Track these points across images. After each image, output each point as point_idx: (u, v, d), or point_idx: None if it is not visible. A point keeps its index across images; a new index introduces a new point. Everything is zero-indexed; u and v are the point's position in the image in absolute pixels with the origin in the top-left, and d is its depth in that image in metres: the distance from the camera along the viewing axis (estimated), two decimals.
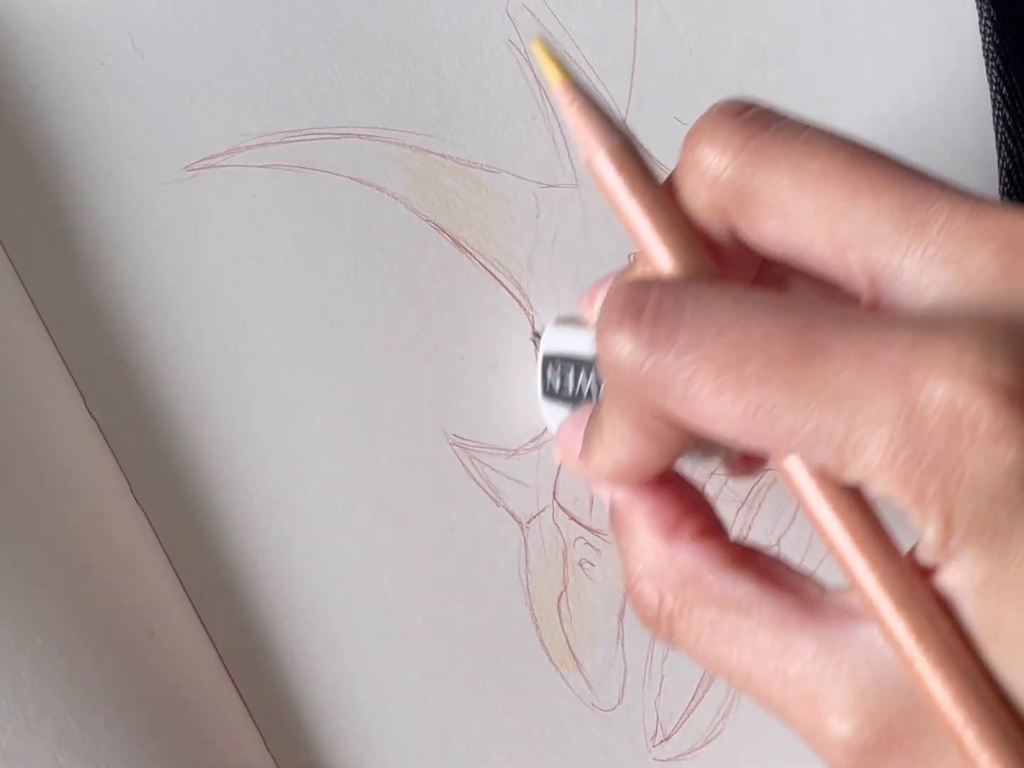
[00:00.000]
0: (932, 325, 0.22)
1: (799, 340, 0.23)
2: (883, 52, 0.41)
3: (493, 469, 0.40)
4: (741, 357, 0.23)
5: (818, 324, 0.23)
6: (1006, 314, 0.22)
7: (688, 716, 0.41)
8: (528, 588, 0.40)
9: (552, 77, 0.27)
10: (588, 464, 0.28)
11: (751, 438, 0.23)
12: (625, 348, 0.24)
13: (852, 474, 0.22)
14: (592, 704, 0.40)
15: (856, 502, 0.23)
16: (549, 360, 0.38)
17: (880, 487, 0.22)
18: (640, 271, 0.27)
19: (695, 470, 0.29)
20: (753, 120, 0.25)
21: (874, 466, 0.22)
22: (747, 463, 0.35)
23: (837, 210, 0.24)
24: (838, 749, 0.24)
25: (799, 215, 0.24)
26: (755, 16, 0.41)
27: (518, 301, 0.40)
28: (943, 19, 0.42)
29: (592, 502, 0.40)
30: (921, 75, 0.42)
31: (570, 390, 0.37)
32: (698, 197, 0.25)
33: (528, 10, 0.39)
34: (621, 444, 0.27)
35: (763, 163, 0.24)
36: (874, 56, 0.41)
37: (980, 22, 0.42)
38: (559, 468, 0.40)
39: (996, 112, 0.41)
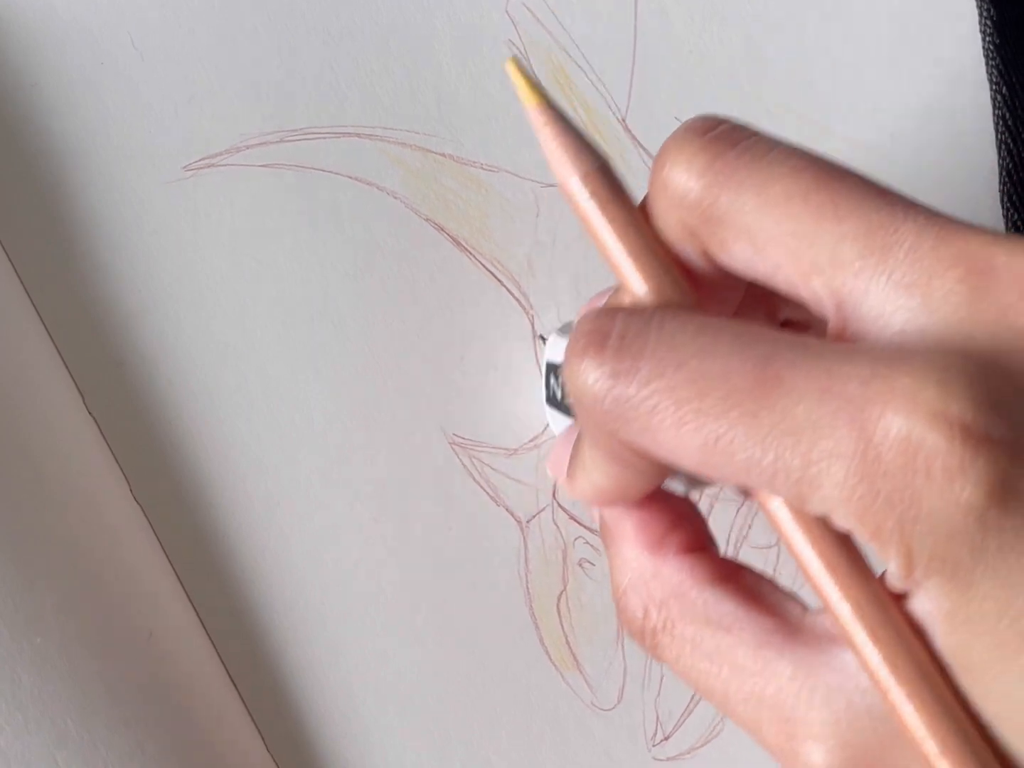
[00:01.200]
0: (891, 357, 0.22)
1: (759, 372, 0.22)
2: (883, 52, 0.41)
3: (493, 468, 0.40)
4: (701, 389, 0.23)
5: (779, 355, 0.22)
6: (968, 343, 0.22)
7: (688, 716, 0.41)
8: (528, 588, 0.40)
9: (526, 99, 0.26)
10: (573, 487, 0.28)
11: (712, 470, 0.23)
12: (588, 378, 0.24)
13: (812, 507, 0.22)
14: (592, 704, 0.40)
15: (829, 528, 0.23)
16: (552, 368, 0.38)
17: (840, 521, 0.22)
18: (619, 298, 0.27)
19: (689, 493, 0.29)
20: (719, 139, 0.25)
21: (832, 501, 0.22)
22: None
23: (801, 235, 0.23)
24: None
25: (765, 239, 0.24)
26: (755, 16, 0.41)
27: (518, 301, 0.40)
28: (943, 19, 0.42)
29: None
30: (921, 75, 0.42)
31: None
32: (669, 219, 0.25)
33: (528, 9, 0.39)
34: (598, 472, 0.27)
35: (728, 184, 0.24)
36: (874, 56, 0.41)
37: (980, 21, 0.42)
38: None
39: (996, 111, 0.41)
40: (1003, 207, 0.41)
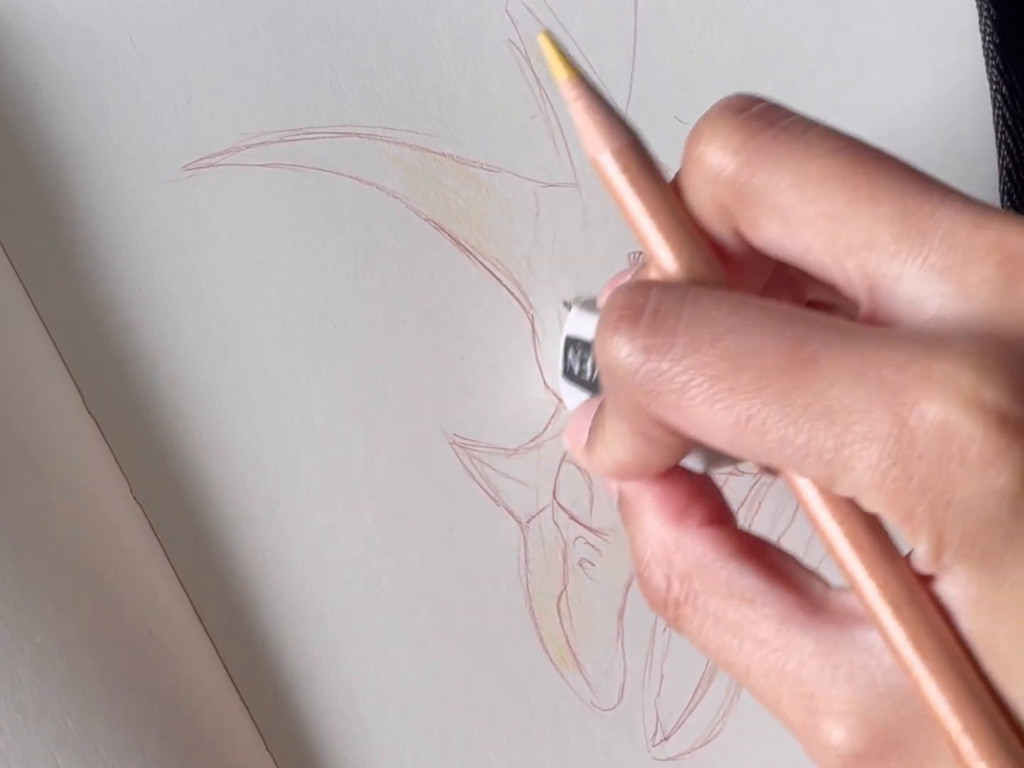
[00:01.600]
0: (927, 343, 0.22)
1: (793, 352, 0.23)
2: (883, 51, 0.41)
3: (493, 468, 0.40)
4: (735, 367, 0.23)
5: (813, 336, 0.23)
6: (1005, 332, 0.22)
7: (688, 716, 0.41)
8: (528, 587, 0.40)
9: (558, 73, 0.26)
10: (591, 460, 0.29)
11: (742, 449, 0.23)
12: (621, 352, 0.24)
13: (842, 489, 0.22)
14: (592, 704, 0.40)
15: (856, 508, 0.23)
16: (571, 342, 0.38)
17: (869, 504, 0.22)
18: (645, 273, 0.27)
19: (708, 471, 0.29)
20: (755, 118, 0.25)
21: (863, 484, 0.22)
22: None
23: (836, 216, 0.24)
24: (830, 753, 0.24)
25: (799, 219, 0.24)
26: (755, 16, 0.41)
27: (518, 300, 0.40)
28: (943, 18, 0.42)
29: (592, 501, 0.40)
30: (921, 74, 0.42)
31: (588, 375, 0.37)
32: (701, 197, 0.25)
33: (528, 9, 0.39)
34: (621, 445, 0.27)
35: (764, 164, 0.24)
36: (874, 55, 0.41)
37: (980, 21, 0.42)
38: (559, 467, 0.40)
39: (996, 111, 0.41)
40: (1003, 207, 0.41)
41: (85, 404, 0.37)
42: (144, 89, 0.37)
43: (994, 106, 0.41)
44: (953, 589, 0.22)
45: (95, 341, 0.37)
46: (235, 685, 0.38)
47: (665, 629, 0.41)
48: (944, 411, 0.21)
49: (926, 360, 0.21)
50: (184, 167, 0.37)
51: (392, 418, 0.39)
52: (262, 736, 0.38)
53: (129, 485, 0.37)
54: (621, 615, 0.40)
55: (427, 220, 0.39)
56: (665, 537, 0.27)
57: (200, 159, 0.37)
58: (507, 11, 0.39)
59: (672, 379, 0.23)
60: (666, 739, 0.41)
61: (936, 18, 0.42)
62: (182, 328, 0.37)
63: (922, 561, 0.22)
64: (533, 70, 0.40)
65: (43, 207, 0.36)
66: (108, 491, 0.36)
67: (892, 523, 0.22)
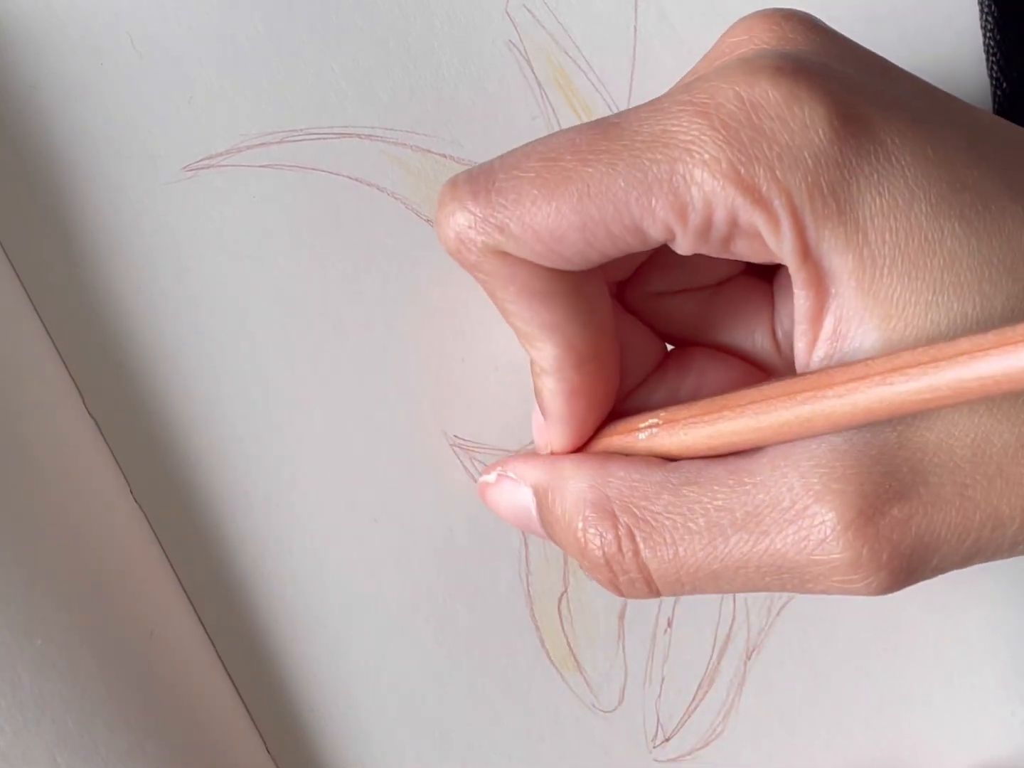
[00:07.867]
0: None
1: (597, 125, 0.26)
2: (883, 48, 0.41)
3: None
4: (553, 156, 0.26)
5: (608, 118, 0.26)
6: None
7: (689, 717, 0.41)
8: (528, 589, 0.40)
9: None
10: (550, 410, 0.30)
11: (596, 225, 0.25)
12: (458, 215, 0.27)
13: (696, 213, 0.24)
14: (592, 705, 0.40)
15: None
16: None
17: (724, 202, 0.24)
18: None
19: None
20: None
21: (708, 185, 0.24)
22: None
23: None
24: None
25: None
26: None
27: None
28: (943, 14, 0.42)
29: None
30: (921, 71, 0.42)
31: None
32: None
33: (528, 10, 0.39)
34: (535, 332, 0.29)
35: None
36: None
37: (981, 17, 0.42)
38: None
39: (995, 108, 0.41)
40: None
41: (85, 405, 0.37)
42: (144, 90, 0.37)
43: (994, 101, 0.41)
44: (836, 259, 0.24)
45: (95, 342, 0.37)
46: (235, 686, 0.38)
47: (666, 631, 0.40)
48: (746, 89, 0.24)
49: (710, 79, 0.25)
50: (184, 168, 0.37)
51: (392, 419, 0.39)
52: (262, 737, 0.38)
53: (129, 486, 0.37)
54: (622, 616, 0.40)
55: (427, 221, 0.39)
56: (594, 480, 0.28)
57: (200, 160, 0.38)
58: (507, 12, 0.39)
59: (506, 198, 0.26)
60: (667, 740, 0.41)
61: (936, 13, 0.42)
62: (182, 329, 0.37)
63: (790, 252, 0.24)
64: (533, 71, 0.40)
65: (43, 208, 0.36)
66: (108, 492, 0.36)
67: (749, 215, 0.24)
